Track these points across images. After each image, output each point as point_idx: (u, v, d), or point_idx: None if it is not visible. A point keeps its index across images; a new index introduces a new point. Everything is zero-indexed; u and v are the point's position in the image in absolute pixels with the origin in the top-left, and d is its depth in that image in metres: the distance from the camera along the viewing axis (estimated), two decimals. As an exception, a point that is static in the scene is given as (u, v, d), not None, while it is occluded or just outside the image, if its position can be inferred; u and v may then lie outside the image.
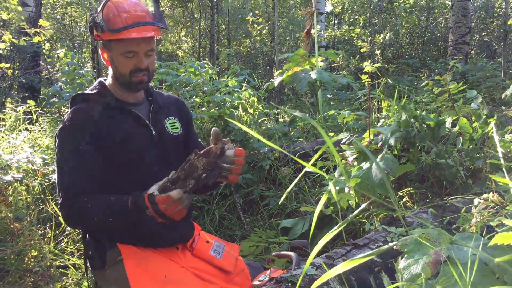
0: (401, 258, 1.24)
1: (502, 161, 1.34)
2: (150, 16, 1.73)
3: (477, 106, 2.97)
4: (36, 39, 4.07)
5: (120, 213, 1.60)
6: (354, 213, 0.96)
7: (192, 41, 16.99)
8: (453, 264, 1.15)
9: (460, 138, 2.72)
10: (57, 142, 1.72)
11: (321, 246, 0.89)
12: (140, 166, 1.75)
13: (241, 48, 15.45)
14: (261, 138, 0.85)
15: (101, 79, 1.87)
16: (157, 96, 1.94)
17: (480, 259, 1.14)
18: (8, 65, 4.13)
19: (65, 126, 1.71)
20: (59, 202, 1.66)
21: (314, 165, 3.11)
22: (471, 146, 2.79)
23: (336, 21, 17.40)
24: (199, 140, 2.25)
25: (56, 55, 9.46)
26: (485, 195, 1.71)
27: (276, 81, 3.64)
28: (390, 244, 1.01)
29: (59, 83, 4.43)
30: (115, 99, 1.80)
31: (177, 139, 1.90)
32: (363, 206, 1.04)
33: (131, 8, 1.71)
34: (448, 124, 2.75)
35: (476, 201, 1.73)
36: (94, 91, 1.81)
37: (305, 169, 0.97)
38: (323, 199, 1.02)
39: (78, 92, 1.88)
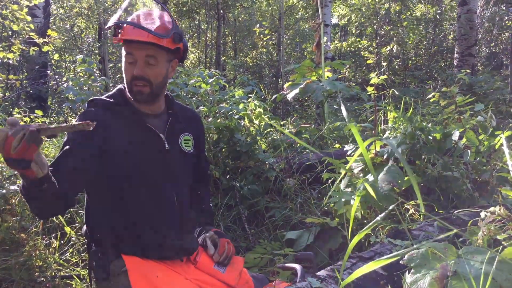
0: (408, 273, 1.23)
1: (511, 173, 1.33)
2: (158, 27, 1.66)
3: (484, 119, 2.96)
4: (45, 48, 4.14)
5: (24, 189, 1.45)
6: (381, 217, 0.95)
7: (198, 52, 17.11)
8: (460, 279, 1.13)
9: (468, 151, 2.70)
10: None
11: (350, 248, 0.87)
12: (147, 177, 1.73)
13: (247, 59, 15.51)
14: (297, 139, 0.85)
15: (120, 86, 1.83)
16: (177, 108, 1.91)
17: (488, 273, 1.13)
18: (16, 77, 4.19)
19: None
20: None
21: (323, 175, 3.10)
22: (477, 159, 2.78)
23: (342, 33, 17.48)
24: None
25: (64, 66, 9.53)
26: (492, 208, 1.70)
27: (291, 94, 3.57)
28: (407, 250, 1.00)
29: (70, 87, 4.38)
30: (132, 109, 1.77)
31: (188, 157, 1.88)
32: (378, 218, 1.03)
33: (139, 13, 1.72)
34: (454, 137, 2.74)
35: (482, 214, 1.71)
36: (112, 99, 1.78)
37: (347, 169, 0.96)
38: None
39: (96, 98, 1.81)
